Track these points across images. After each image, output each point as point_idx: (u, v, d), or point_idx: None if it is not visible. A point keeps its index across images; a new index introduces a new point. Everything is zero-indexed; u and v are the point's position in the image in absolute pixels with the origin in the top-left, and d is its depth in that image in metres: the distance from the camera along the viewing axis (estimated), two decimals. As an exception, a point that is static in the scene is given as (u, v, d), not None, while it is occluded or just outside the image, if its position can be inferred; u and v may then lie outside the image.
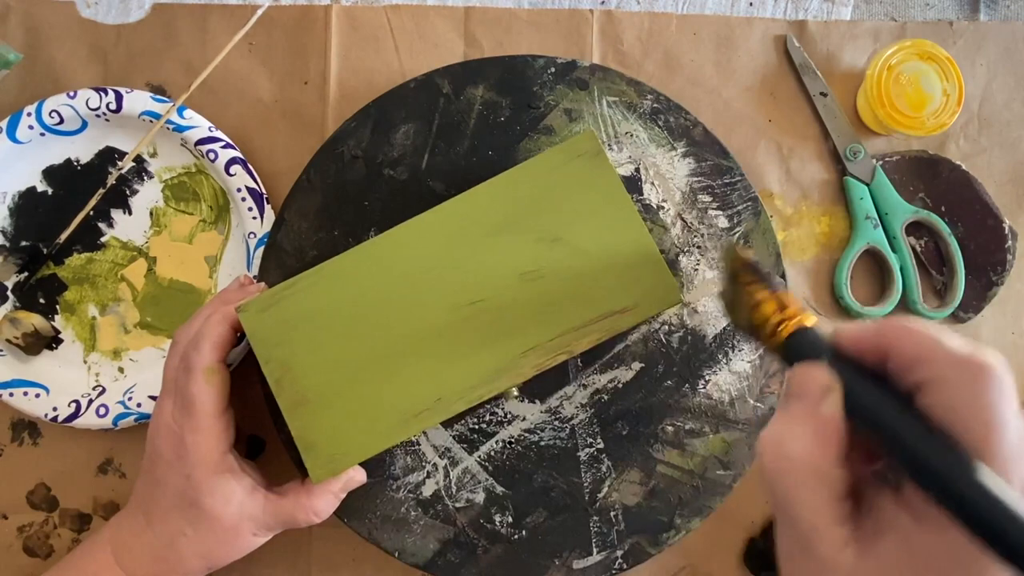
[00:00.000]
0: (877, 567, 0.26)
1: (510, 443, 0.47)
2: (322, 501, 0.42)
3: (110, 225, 0.51)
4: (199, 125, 0.49)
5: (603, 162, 0.42)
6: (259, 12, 0.51)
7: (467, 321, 0.41)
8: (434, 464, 0.47)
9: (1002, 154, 0.53)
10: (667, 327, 0.48)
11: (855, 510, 0.27)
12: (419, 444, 0.47)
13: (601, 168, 0.42)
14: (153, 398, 0.48)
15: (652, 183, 0.49)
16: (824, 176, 0.52)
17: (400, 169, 0.48)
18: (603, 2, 0.53)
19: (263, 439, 0.51)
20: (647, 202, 0.49)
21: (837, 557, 0.26)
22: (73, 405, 0.49)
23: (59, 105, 0.49)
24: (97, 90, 0.49)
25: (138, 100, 0.49)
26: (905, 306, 0.51)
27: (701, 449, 0.47)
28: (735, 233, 0.49)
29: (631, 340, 0.48)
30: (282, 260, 0.48)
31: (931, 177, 0.52)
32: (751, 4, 0.53)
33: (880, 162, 0.51)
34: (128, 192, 0.51)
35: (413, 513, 0.47)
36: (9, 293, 0.50)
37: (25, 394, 0.48)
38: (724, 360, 0.48)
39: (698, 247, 0.48)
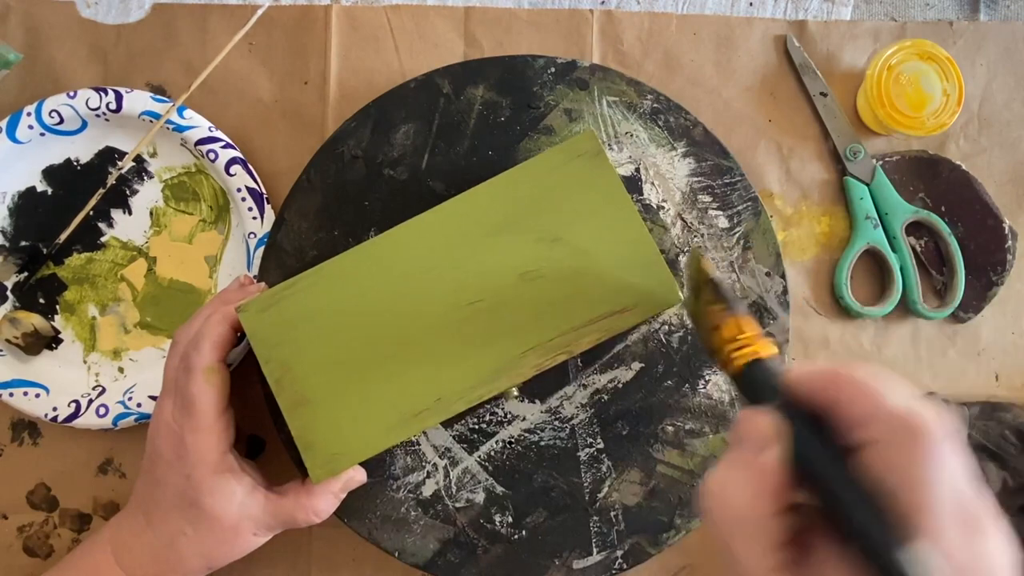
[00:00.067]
0: None
1: (510, 443, 0.47)
2: (322, 501, 0.42)
3: (110, 225, 0.51)
4: (199, 125, 0.49)
5: (603, 162, 0.42)
6: (259, 12, 0.51)
7: (467, 321, 0.41)
8: (434, 464, 0.47)
9: (1002, 154, 0.53)
10: (667, 327, 0.48)
11: (798, 556, 0.26)
12: (419, 444, 0.47)
13: (601, 168, 0.42)
14: (153, 398, 0.48)
15: (652, 183, 0.49)
16: (824, 176, 0.52)
17: (400, 169, 0.48)
18: (603, 2, 0.53)
19: (263, 439, 0.51)
20: (647, 202, 0.49)
21: None
22: (73, 405, 0.49)
23: (59, 105, 0.49)
24: (97, 90, 0.49)
25: (138, 100, 0.49)
26: (905, 306, 0.51)
27: (701, 449, 0.47)
28: (735, 233, 0.49)
29: (631, 340, 0.48)
30: (282, 260, 0.48)
31: (931, 177, 0.52)
32: (751, 4, 0.53)
33: (880, 162, 0.51)
34: (128, 192, 0.51)
35: (413, 513, 0.47)
36: (9, 293, 0.50)
37: (25, 394, 0.48)
38: (724, 360, 0.48)
39: (698, 247, 0.48)
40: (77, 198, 0.50)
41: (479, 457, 0.47)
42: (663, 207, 0.49)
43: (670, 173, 0.49)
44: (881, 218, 0.51)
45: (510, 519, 0.47)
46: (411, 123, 0.48)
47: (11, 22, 0.52)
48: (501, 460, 0.47)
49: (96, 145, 0.51)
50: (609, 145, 0.49)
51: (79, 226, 0.50)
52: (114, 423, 0.48)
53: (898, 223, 0.51)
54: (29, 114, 0.49)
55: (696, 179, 0.49)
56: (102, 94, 0.49)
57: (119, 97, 0.49)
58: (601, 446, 0.47)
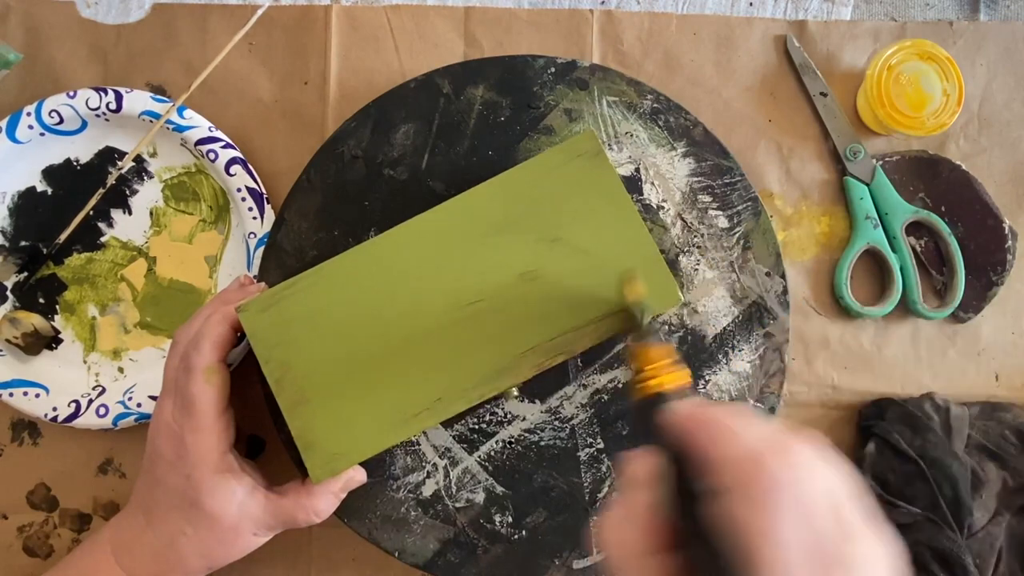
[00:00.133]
0: None
1: (510, 443, 0.47)
2: (322, 501, 0.42)
3: (110, 225, 0.51)
4: (199, 125, 0.49)
5: (603, 162, 0.42)
6: (259, 12, 0.51)
7: (467, 321, 0.41)
8: (434, 464, 0.47)
9: (1002, 154, 0.53)
10: (667, 327, 0.48)
11: None
12: (419, 444, 0.47)
13: (601, 168, 0.42)
14: (153, 398, 0.48)
15: (652, 183, 0.49)
16: (824, 176, 0.52)
17: (400, 169, 0.48)
18: (603, 2, 0.53)
19: (263, 439, 0.51)
20: (647, 202, 0.49)
21: None
22: (73, 405, 0.49)
23: (59, 105, 0.49)
24: (97, 90, 0.49)
25: (138, 100, 0.49)
26: (905, 306, 0.51)
27: (701, 449, 0.47)
28: (735, 233, 0.49)
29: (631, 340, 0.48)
30: (282, 260, 0.48)
31: (931, 177, 0.52)
32: (751, 4, 0.53)
33: (880, 162, 0.51)
34: (128, 192, 0.51)
35: (413, 513, 0.47)
36: (9, 293, 0.50)
37: (25, 394, 0.48)
38: (724, 360, 0.48)
39: (698, 247, 0.48)
40: (77, 198, 0.50)
41: (479, 457, 0.47)
42: (663, 207, 0.49)
43: (670, 173, 0.49)
44: (881, 218, 0.51)
45: (510, 519, 0.47)
46: (411, 123, 0.48)
47: (11, 22, 0.52)
48: (501, 460, 0.47)
49: (96, 145, 0.51)
50: (609, 145, 0.49)
51: (79, 226, 0.50)
52: (114, 423, 0.48)
53: (898, 223, 0.51)
54: (29, 114, 0.49)
55: (696, 179, 0.49)
56: (102, 94, 0.49)
57: (119, 97, 0.49)
58: (601, 446, 0.47)
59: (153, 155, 0.51)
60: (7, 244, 0.51)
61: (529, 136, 0.49)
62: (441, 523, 0.47)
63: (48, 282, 0.51)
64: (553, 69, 0.49)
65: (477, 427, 0.47)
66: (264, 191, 0.49)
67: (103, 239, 0.51)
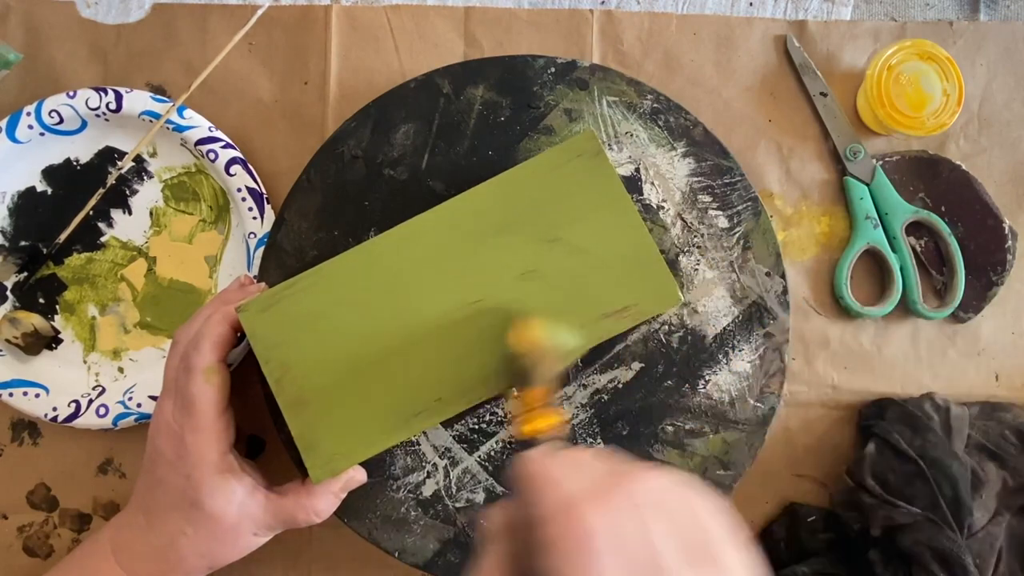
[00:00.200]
0: None
1: (510, 443, 0.47)
2: (322, 501, 0.42)
3: (110, 225, 0.51)
4: (199, 125, 0.49)
5: (603, 162, 0.42)
6: (259, 12, 0.51)
7: (467, 321, 0.41)
8: (434, 464, 0.47)
9: (1002, 154, 0.53)
10: (667, 327, 0.48)
11: None
12: (419, 444, 0.47)
13: (601, 168, 0.42)
14: (153, 398, 0.48)
15: (652, 183, 0.49)
16: (824, 176, 0.52)
17: (400, 169, 0.48)
18: (603, 2, 0.53)
19: (263, 439, 0.51)
20: (647, 202, 0.49)
21: None
22: (73, 405, 0.49)
23: (59, 105, 0.49)
24: (97, 90, 0.49)
25: (138, 100, 0.49)
26: (905, 306, 0.51)
27: (701, 449, 0.47)
28: (735, 233, 0.49)
29: (631, 340, 0.48)
30: (282, 260, 0.48)
31: (931, 177, 0.52)
32: (751, 4, 0.53)
33: (880, 162, 0.51)
34: (128, 192, 0.51)
35: (413, 513, 0.47)
36: (9, 293, 0.50)
37: (25, 394, 0.48)
38: (724, 360, 0.48)
39: (698, 247, 0.48)
40: (77, 198, 0.50)
41: (479, 457, 0.47)
42: (663, 207, 0.49)
43: (670, 173, 0.49)
44: (881, 218, 0.51)
45: (510, 519, 0.47)
46: (411, 123, 0.48)
47: (11, 22, 0.52)
48: (501, 460, 0.47)
49: (96, 145, 0.51)
50: (609, 145, 0.49)
51: (79, 226, 0.50)
52: (114, 423, 0.48)
53: (898, 223, 0.51)
54: (29, 114, 0.49)
55: (696, 179, 0.49)
56: (102, 94, 0.49)
57: (119, 97, 0.49)
58: (601, 446, 0.47)
59: (153, 155, 0.51)
60: (7, 244, 0.51)
61: (529, 136, 0.49)
62: (441, 523, 0.47)
63: (48, 282, 0.51)
64: (553, 69, 0.49)
65: (477, 427, 0.47)
66: (264, 191, 0.49)
67: (103, 239, 0.51)
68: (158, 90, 0.51)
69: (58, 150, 0.51)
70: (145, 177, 0.51)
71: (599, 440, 0.47)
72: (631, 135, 0.49)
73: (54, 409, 0.48)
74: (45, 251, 0.50)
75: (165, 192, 0.51)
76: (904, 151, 0.52)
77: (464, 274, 0.41)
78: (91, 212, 0.50)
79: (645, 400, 0.47)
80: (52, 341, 0.50)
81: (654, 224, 0.48)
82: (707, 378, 0.48)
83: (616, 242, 0.41)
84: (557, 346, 0.38)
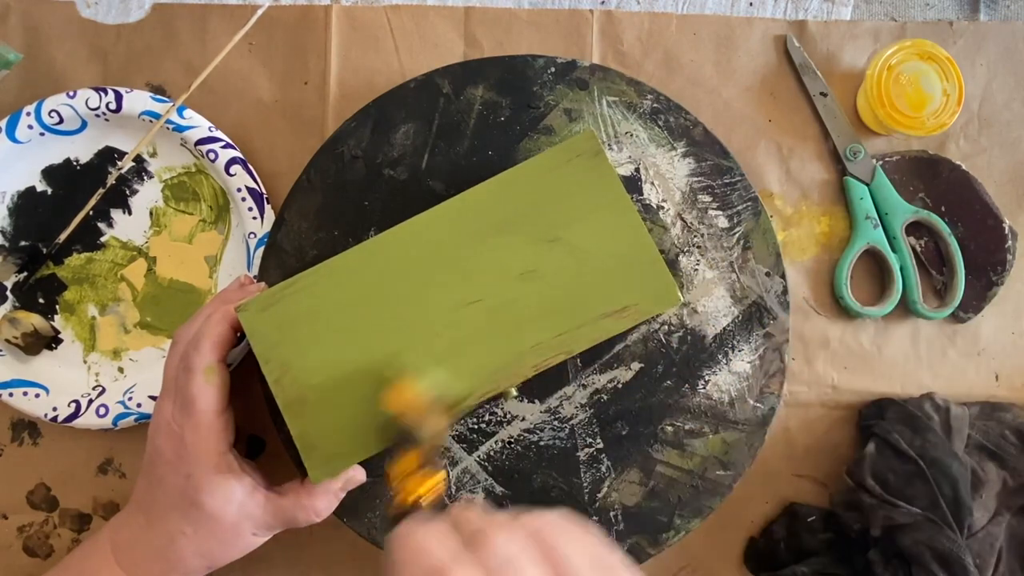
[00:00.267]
0: None
1: (510, 443, 0.47)
2: (322, 501, 0.42)
3: (110, 225, 0.51)
4: (199, 125, 0.49)
5: (603, 162, 0.42)
6: (259, 12, 0.51)
7: (467, 321, 0.41)
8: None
9: (1002, 154, 0.53)
10: (667, 327, 0.48)
11: None
12: (419, 444, 0.47)
13: (601, 168, 0.41)
14: (153, 398, 0.48)
15: (652, 183, 0.49)
16: (824, 176, 0.52)
17: (400, 169, 0.48)
18: (603, 2, 0.53)
19: (263, 439, 0.51)
20: (647, 202, 0.49)
21: None
22: (73, 405, 0.49)
23: (59, 105, 0.49)
24: (97, 90, 0.49)
25: (138, 100, 0.49)
26: (905, 306, 0.51)
27: (701, 449, 0.47)
28: (735, 233, 0.49)
29: (631, 340, 0.48)
30: (282, 260, 0.48)
31: (931, 177, 0.52)
32: (751, 4, 0.53)
33: (880, 162, 0.51)
34: (128, 192, 0.51)
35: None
36: (9, 293, 0.50)
37: (25, 394, 0.48)
38: (724, 360, 0.48)
39: (698, 247, 0.48)
40: (77, 198, 0.50)
41: (479, 457, 0.47)
42: (663, 207, 0.49)
43: (670, 173, 0.49)
44: (881, 218, 0.51)
45: (510, 519, 0.47)
46: (411, 123, 0.48)
47: (11, 22, 0.52)
48: (501, 460, 0.47)
49: (96, 145, 0.51)
50: (609, 145, 0.49)
51: (79, 226, 0.50)
52: (114, 423, 0.48)
53: (898, 223, 0.51)
54: (29, 114, 0.49)
55: (696, 179, 0.49)
56: (102, 94, 0.49)
57: (119, 97, 0.49)
58: (601, 446, 0.47)
59: (153, 155, 0.51)
60: (7, 244, 0.51)
61: (529, 136, 0.49)
62: (441, 523, 0.46)
63: (48, 282, 0.51)
64: (553, 69, 0.49)
65: (477, 427, 0.47)
66: (264, 191, 0.49)
67: (103, 239, 0.51)
68: (158, 90, 0.51)
69: (58, 150, 0.51)
70: (145, 177, 0.51)
71: (599, 440, 0.47)
72: (631, 135, 0.49)
73: (54, 409, 0.48)
74: (45, 251, 0.50)
75: (165, 192, 0.51)
76: (904, 151, 0.52)
77: (464, 274, 0.41)
78: (91, 212, 0.50)
79: (645, 400, 0.47)
80: (52, 341, 0.50)
81: (654, 224, 0.48)
82: (707, 378, 0.48)
83: (616, 242, 0.41)
84: (435, 401, 0.38)
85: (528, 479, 0.47)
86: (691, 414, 0.47)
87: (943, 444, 0.46)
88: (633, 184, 0.48)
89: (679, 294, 0.41)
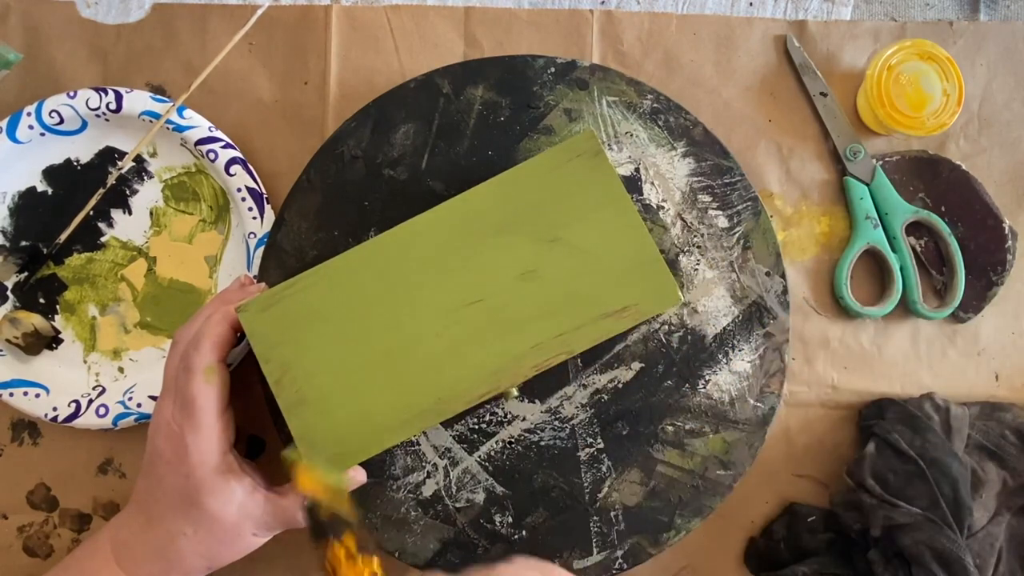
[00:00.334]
0: None
1: (510, 443, 0.47)
2: (322, 501, 0.42)
3: (110, 225, 0.51)
4: (199, 125, 0.49)
5: (603, 162, 0.42)
6: (259, 12, 0.51)
7: (467, 321, 0.41)
8: (434, 464, 0.47)
9: (1002, 154, 0.53)
10: (667, 327, 0.48)
11: None
12: (419, 444, 0.47)
13: (601, 168, 0.41)
14: (153, 398, 0.48)
15: (652, 183, 0.49)
16: (824, 176, 0.52)
17: (400, 169, 0.48)
18: (603, 2, 0.53)
19: (263, 439, 0.51)
20: (647, 202, 0.49)
21: None
22: (73, 405, 0.49)
23: (59, 105, 0.49)
24: (97, 90, 0.49)
25: (138, 100, 0.49)
26: (905, 306, 0.51)
27: (701, 449, 0.47)
28: (735, 233, 0.49)
29: (631, 340, 0.48)
30: (282, 260, 0.48)
31: (931, 177, 0.52)
32: (751, 4, 0.53)
33: (880, 162, 0.51)
34: (128, 192, 0.51)
35: (413, 513, 0.47)
36: (9, 293, 0.50)
37: (25, 394, 0.48)
38: (724, 360, 0.48)
39: (698, 247, 0.48)
40: (77, 198, 0.50)
41: (479, 457, 0.47)
42: (663, 207, 0.49)
43: (670, 173, 0.49)
44: (881, 218, 0.51)
45: (510, 519, 0.47)
46: (411, 123, 0.48)
47: (11, 22, 0.52)
48: (501, 460, 0.47)
49: (96, 145, 0.51)
50: (609, 145, 0.49)
51: (79, 226, 0.50)
52: (114, 423, 0.48)
53: (898, 223, 0.51)
54: (29, 114, 0.49)
55: (696, 179, 0.49)
56: (102, 94, 0.49)
57: (119, 97, 0.49)
58: (601, 446, 0.47)
59: (153, 155, 0.51)
60: (7, 244, 0.51)
61: (529, 136, 0.49)
62: (441, 523, 0.47)
63: (48, 282, 0.51)
64: (553, 69, 0.49)
65: (477, 427, 0.47)
66: (264, 191, 0.49)
67: (103, 239, 0.51)
68: (158, 90, 0.51)
69: (58, 150, 0.51)
70: (145, 177, 0.51)
71: (599, 440, 0.47)
72: (631, 135, 0.49)
73: (54, 409, 0.48)
74: (45, 251, 0.50)
75: (165, 192, 0.51)
76: (904, 151, 0.52)
77: (464, 274, 0.41)
78: (91, 212, 0.50)
79: (645, 400, 0.47)
80: (52, 341, 0.50)
81: (654, 224, 0.48)
82: (707, 378, 0.48)
83: (616, 242, 0.41)
84: (339, 482, 0.39)
85: (529, 479, 0.47)
86: (691, 414, 0.47)
87: (943, 444, 0.46)
88: (633, 184, 0.48)
89: (679, 294, 0.41)
